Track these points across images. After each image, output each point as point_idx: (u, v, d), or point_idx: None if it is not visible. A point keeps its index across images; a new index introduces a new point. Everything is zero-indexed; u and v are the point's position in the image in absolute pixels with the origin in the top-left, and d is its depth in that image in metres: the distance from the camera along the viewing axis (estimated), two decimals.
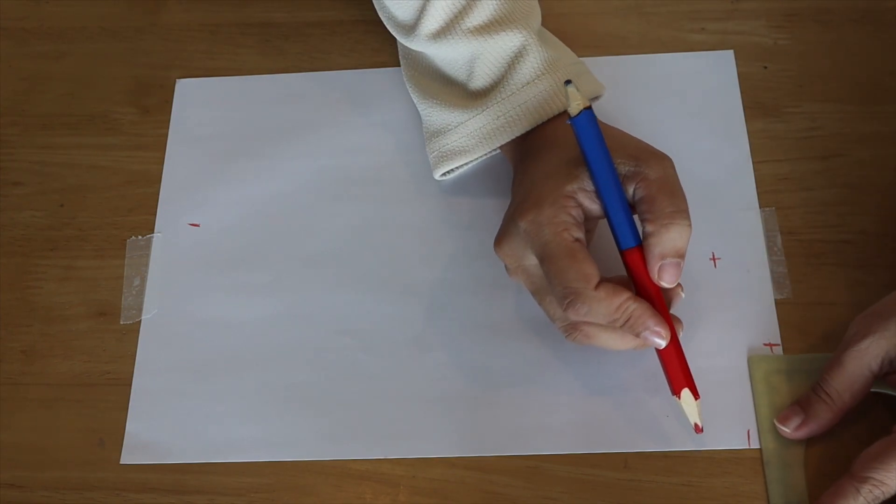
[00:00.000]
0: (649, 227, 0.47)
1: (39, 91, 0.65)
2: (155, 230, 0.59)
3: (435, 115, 0.56)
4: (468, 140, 0.55)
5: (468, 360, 0.54)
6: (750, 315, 0.54)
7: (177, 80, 0.64)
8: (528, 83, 0.53)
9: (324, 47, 0.65)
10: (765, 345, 0.53)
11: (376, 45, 0.64)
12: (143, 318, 0.57)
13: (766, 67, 0.61)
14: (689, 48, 0.62)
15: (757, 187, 0.57)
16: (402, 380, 0.54)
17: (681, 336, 0.49)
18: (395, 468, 0.52)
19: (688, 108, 0.60)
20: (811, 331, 0.53)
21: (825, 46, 0.62)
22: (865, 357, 0.47)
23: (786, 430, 0.49)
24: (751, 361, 0.52)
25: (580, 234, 0.48)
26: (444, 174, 0.57)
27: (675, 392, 0.49)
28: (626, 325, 0.47)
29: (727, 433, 0.51)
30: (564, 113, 0.52)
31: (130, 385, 0.55)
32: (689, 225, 0.47)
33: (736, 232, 0.56)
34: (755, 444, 0.51)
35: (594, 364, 0.53)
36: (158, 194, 0.60)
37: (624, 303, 0.47)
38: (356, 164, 0.60)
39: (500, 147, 0.55)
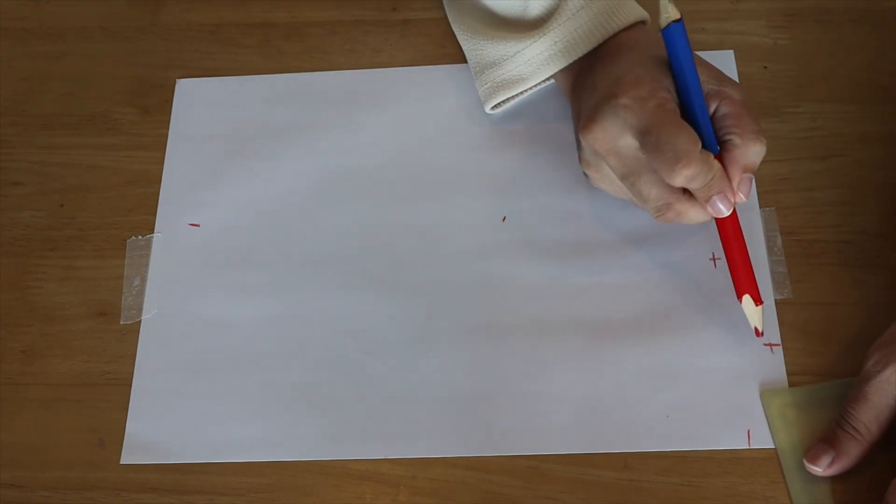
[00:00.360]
0: (737, 140, 0.49)
1: (39, 91, 0.65)
2: (155, 230, 0.59)
3: (487, 48, 0.58)
4: (526, 67, 0.57)
5: (468, 360, 0.54)
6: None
7: (177, 80, 0.64)
8: (584, 6, 0.55)
9: (324, 47, 0.65)
10: (765, 345, 0.53)
11: (376, 45, 0.64)
12: (143, 318, 0.57)
13: (766, 67, 0.61)
14: None
15: (757, 187, 0.57)
16: (402, 380, 0.54)
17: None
18: (395, 468, 0.52)
19: None
20: (811, 331, 0.53)
21: (825, 46, 0.62)
22: (889, 387, 0.47)
23: (817, 469, 0.48)
24: (763, 397, 0.51)
25: (678, 110, 0.49)
26: (494, 107, 0.59)
27: (739, 297, 0.51)
28: (706, 187, 0.48)
29: (727, 433, 0.51)
30: (624, 31, 0.54)
31: (130, 385, 0.55)
32: (765, 145, 0.50)
33: None
34: (755, 444, 0.51)
35: (594, 364, 0.53)
36: (158, 194, 0.60)
37: (713, 161, 0.49)
38: (356, 164, 0.60)
39: (556, 77, 0.57)
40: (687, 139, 0.47)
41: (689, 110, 0.50)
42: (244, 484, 0.52)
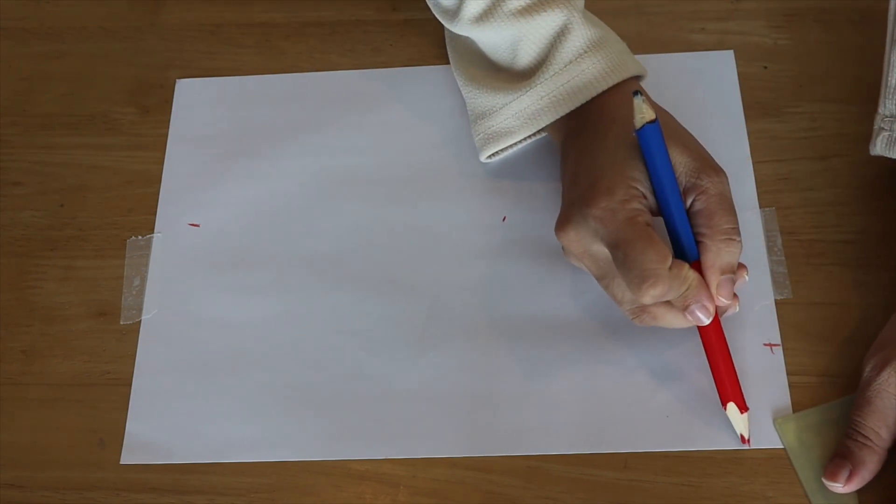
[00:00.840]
0: (708, 242, 0.48)
1: (39, 91, 0.65)
2: (155, 230, 0.59)
3: (480, 98, 0.57)
4: (514, 121, 0.55)
5: (468, 360, 0.54)
6: (750, 315, 0.54)
7: (177, 80, 0.64)
8: (572, 61, 0.54)
9: (324, 47, 0.65)
10: (765, 345, 0.53)
11: (376, 45, 0.65)
12: (143, 318, 0.57)
13: (766, 67, 0.61)
14: (689, 48, 0.62)
15: (757, 187, 0.57)
16: (402, 380, 0.54)
17: (735, 310, 0.51)
18: (395, 468, 0.52)
19: (688, 108, 0.59)
20: (811, 331, 0.53)
21: (825, 46, 0.62)
22: (889, 389, 0.47)
23: (838, 486, 0.48)
24: (778, 424, 0.51)
25: (651, 221, 0.48)
26: (489, 157, 0.58)
27: (723, 404, 0.50)
28: (684, 295, 0.48)
29: (727, 433, 0.51)
30: (614, 89, 0.53)
31: (130, 385, 0.55)
32: (741, 243, 0.49)
33: None
34: (755, 445, 0.51)
35: (594, 364, 0.53)
36: (158, 194, 0.60)
37: (687, 272, 0.48)
38: (356, 164, 0.60)
39: (547, 129, 0.56)
40: (654, 257, 0.46)
41: (665, 213, 0.49)
42: (244, 484, 0.52)
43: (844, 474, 0.48)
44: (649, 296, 0.47)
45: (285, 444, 0.53)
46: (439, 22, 0.59)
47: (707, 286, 0.48)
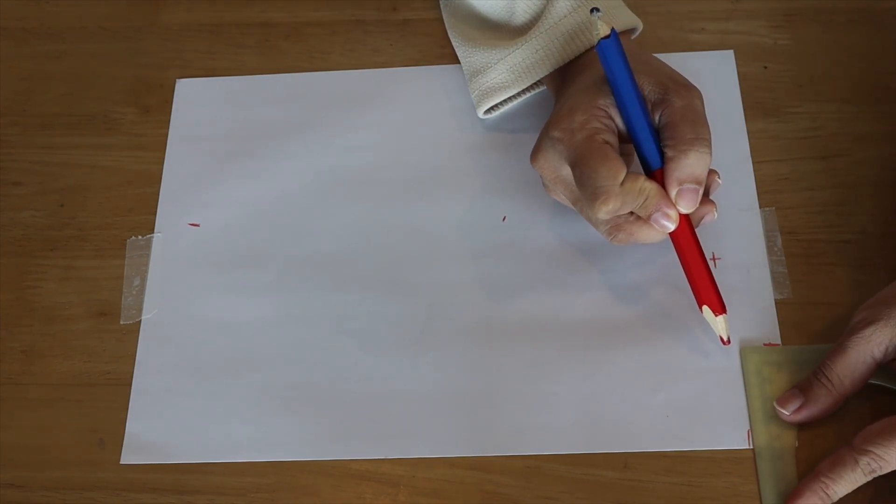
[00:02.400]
0: (669, 153, 0.49)
1: (39, 91, 0.65)
2: (155, 230, 0.59)
3: (476, 54, 0.58)
4: (508, 75, 0.56)
5: (468, 360, 0.54)
6: (750, 315, 0.54)
7: (177, 80, 0.64)
8: (566, 16, 0.54)
9: (324, 47, 0.65)
10: (765, 345, 0.53)
11: (376, 45, 0.65)
12: (143, 318, 0.57)
13: (766, 67, 0.61)
14: (689, 48, 0.62)
15: (757, 187, 0.57)
16: (402, 380, 0.54)
17: (714, 216, 0.51)
18: (395, 468, 0.52)
19: None
20: (811, 331, 0.53)
21: (825, 46, 0.62)
22: (869, 344, 0.48)
23: (784, 412, 0.50)
24: (743, 353, 0.52)
25: (612, 140, 0.49)
26: (486, 112, 0.59)
27: (699, 307, 0.51)
28: (643, 207, 0.48)
29: (727, 433, 0.51)
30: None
31: (130, 385, 0.55)
32: (709, 153, 0.48)
33: (736, 232, 0.56)
34: (755, 445, 0.51)
35: (594, 364, 0.53)
36: (158, 194, 0.60)
37: (643, 184, 0.48)
38: (356, 164, 0.60)
39: (544, 82, 0.57)
40: (606, 174, 0.47)
41: (629, 128, 0.49)
42: (244, 484, 0.52)
43: (795, 404, 0.49)
44: (603, 211, 0.48)
45: (285, 444, 0.53)
46: (439, 22, 0.59)
47: (665, 195, 0.49)
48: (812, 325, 0.53)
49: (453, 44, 0.61)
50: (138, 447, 0.53)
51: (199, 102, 0.63)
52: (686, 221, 0.50)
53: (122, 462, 0.53)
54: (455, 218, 0.58)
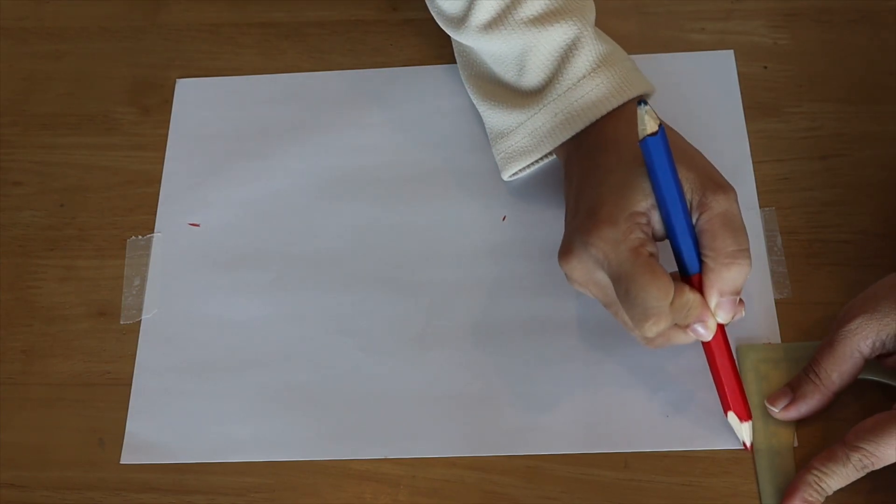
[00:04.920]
0: (710, 263, 0.47)
1: (39, 91, 0.65)
2: (155, 230, 0.59)
3: (496, 116, 0.56)
4: (530, 140, 0.54)
5: (468, 360, 0.54)
6: (750, 315, 0.53)
7: (177, 80, 0.64)
8: (584, 77, 0.52)
9: (324, 47, 0.65)
10: (765, 345, 0.53)
11: (376, 45, 0.65)
12: (143, 318, 0.57)
13: (766, 67, 0.61)
14: (689, 48, 0.62)
15: (757, 187, 0.57)
16: (402, 380, 0.54)
17: (742, 315, 0.49)
18: (395, 468, 0.52)
19: (688, 108, 0.60)
20: (811, 331, 0.53)
21: (825, 46, 0.62)
22: (855, 338, 0.48)
23: (774, 409, 0.50)
24: (740, 351, 0.52)
25: (655, 250, 0.47)
26: (512, 175, 0.57)
27: (724, 412, 0.50)
28: (685, 318, 0.47)
29: (727, 433, 0.51)
30: (619, 110, 0.52)
31: (130, 385, 0.55)
32: (749, 264, 0.47)
33: None
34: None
35: (594, 364, 0.53)
36: (158, 194, 0.60)
37: (688, 297, 0.47)
38: (356, 164, 0.60)
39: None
40: (656, 294, 0.45)
41: (668, 227, 0.47)
42: (244, 484, 0.52)
43: (784, 401, 0.50)
44: (652, 332, 0.46)
45: (285, 444, 0.53)
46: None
47: (705, 303, 0.47)
48: (812, 325, 0.53)
49: (471, 98, 0.58)
50: (138, 447, 0.53)
51: (199, 102, 0.63)
52: (720, 329, 0.48)
53: (121, 462, 0.53)
54: (455, 218, 0.58)
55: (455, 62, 0.61)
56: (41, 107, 0.64)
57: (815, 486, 0.47)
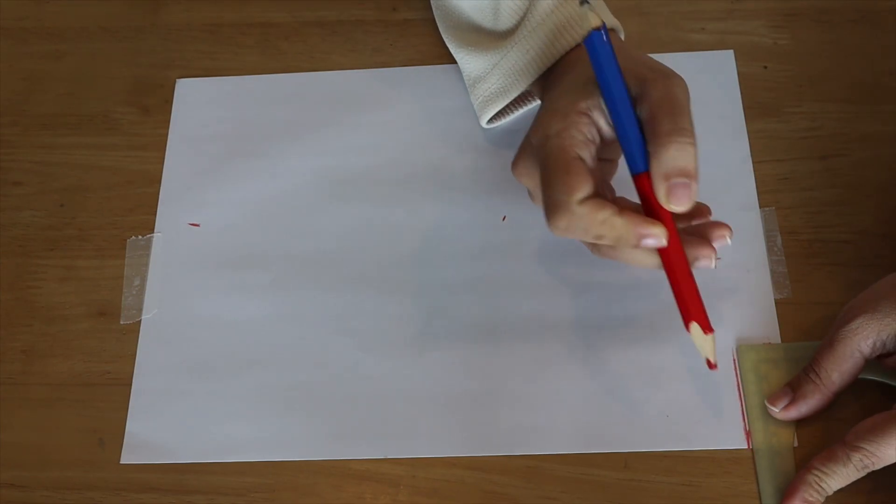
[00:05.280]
0: (650, 149, 0.45)
1: (39, 91, 0.65)
2: (155, 230, 0.59)
3: (472, 61, 0.56)
4: (505, 79, 0.54)
5: (468, 360, 0.54)
6: (750, 315, 0.54)
7: (177, 80, 0.64)
8: (552, 12, 0.52)
9: (324, 47, 0.65)
10: (765, 345, 0.53)
11: (376, 45, 0.65)
12: (143, 318, 0.57)
13: (766, 67, 0.61)
14: (689, 48, 0.62)
15: (757, 187, 0.57)
16: (402, 380, 0.54)
17: (711, 263, 0.48)
18: (395, 468, 0.52)
19: None
20: (811, 331, 0.53)
21: (825, 46, 0.62)
22: (855, 337, 0.48)
23: (774, 409, 0.50)
24: (740, 351, 0.52)
25: (586, 154, 0.46)
26: (490, 121, 0.57)
27: (686, 325, 0.48)
28: (620, 242, 0.46)
29: (727, 433, 0.51)
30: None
31: (130, 385, 0.55)
32: (691, 143, 0.44)
33: (736, 232, 0.56)
34: (755, 445, 0.51)
35: (594, 364, 0.53)
36: (158, 194, 0.60)
37: (609, 217, 0.45)
38: (356, 163, 0.60)
39: (532, 86, 0.54)
40: (563, 188, 0.44)
41: (618, 129, 0.46)
42: (244, 484, 0.52)
43: (784, 401, 0.50)
44: (555, 227, 0.45)
45: (285, 444, 0.53)
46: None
47: (642, 216, 0.46)
48: (812, 325, 0.53)
49: (449, 48, 0.60)
50: (138, 447, 0.53)
51: (199, 102, 0.63)
52: (674, 234, 0.46)
53: (121, 462, 0.53)
54: (455, 218, 0.58)
55: (455, 62, 0.61)
56: (41, 107, 0.64)
57: (816, 486, 0.47)
